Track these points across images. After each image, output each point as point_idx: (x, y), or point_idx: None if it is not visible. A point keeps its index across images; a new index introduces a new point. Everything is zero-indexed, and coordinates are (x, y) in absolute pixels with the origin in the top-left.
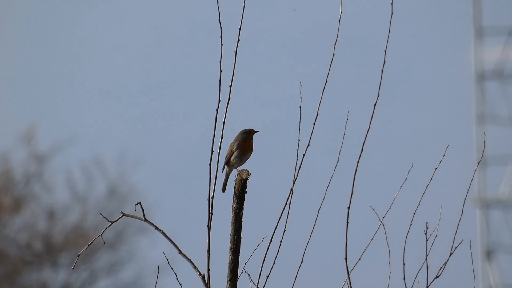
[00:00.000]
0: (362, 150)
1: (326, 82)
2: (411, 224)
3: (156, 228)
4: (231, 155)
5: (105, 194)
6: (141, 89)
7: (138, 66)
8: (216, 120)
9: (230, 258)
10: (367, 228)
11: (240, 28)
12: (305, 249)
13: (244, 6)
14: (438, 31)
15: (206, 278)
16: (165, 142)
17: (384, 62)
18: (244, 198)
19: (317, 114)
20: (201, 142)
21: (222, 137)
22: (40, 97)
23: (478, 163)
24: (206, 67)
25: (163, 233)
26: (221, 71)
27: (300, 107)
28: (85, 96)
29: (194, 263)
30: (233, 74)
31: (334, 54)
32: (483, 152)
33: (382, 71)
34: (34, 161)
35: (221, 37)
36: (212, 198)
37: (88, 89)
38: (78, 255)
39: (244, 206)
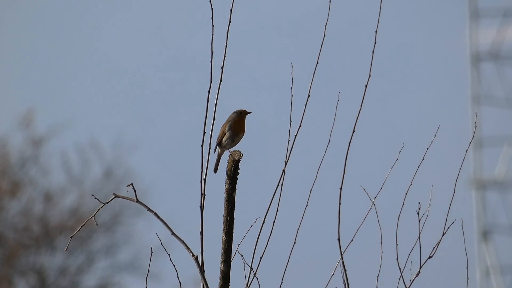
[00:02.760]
0: (353, 131)
1: (317, 63)
2: (403, 204)
3: (149, 209)
4: (223, 136)
5: (101, 177)
6: (136, 73)
7: (133, 50)
8: (208, 101)
9: (224, 239)
10: (359, 209)
11: (231, 10)
12: (298, 230)
13: None
14: (433, 12)
15: (199, 259)
16: (160, 125)
17: (375, 43)
18: (237, 179)
19: (309, 95)
20: (194, 124)
21: (214, 119)
22: (36, 81)
23: (470, 143)
24: (199, 48)
25: (155, 214)
26: (212, 53)
27: (291, 88)
28: (81, 80)
29: (188, 245)
30: (224, 56)
31: (325, 35)
32: (474, 132)
33: (373, 52)
34: (31, 144)
35: (212, 18)
36: (205, 179)
37: (84, 74)
38: (71, 237)
39: (236, 187)
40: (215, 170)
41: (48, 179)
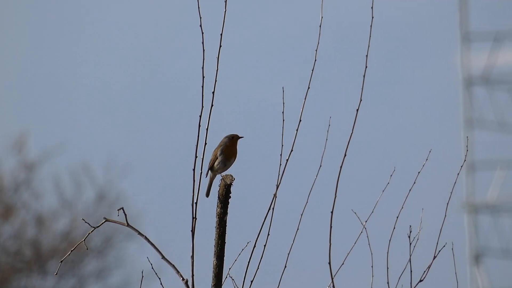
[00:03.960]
0: (345, 155)
1: (309, 88)
2: (394, 228)
3: (139, 233)
4: (215, 161)
5: (93, 200)
6: (128, 97)
7: (125, 74)
8: (199, 126)
9: (214, 263)
10: (350, 232)
11: (221, 34)
12: (289, 253)
13: (225, 12)
14: (425, 36)
15: (189, 283)
16: (152, 148)
17: (366, 67)
18: (228, 203)
19: (300, 120)
20: (186, 148)
21: (205, 143)
22: (28, 105)
23: (461, 166)
24: (191, 73)
25: (146, 238)
26: (203, 77)
27: (283, 112)
28: (74, 104)
29: (178, 269)
30: (215, 80)
31: (316, 60)
32: (465, 156)
33: (363, 76)
34: (23, 168)
35: (203, 43)
36: (196, 203)
37: (77, 97)
38: (61, 261)
39: (228, 211)
40: (207, 194)
41: (40, 203)
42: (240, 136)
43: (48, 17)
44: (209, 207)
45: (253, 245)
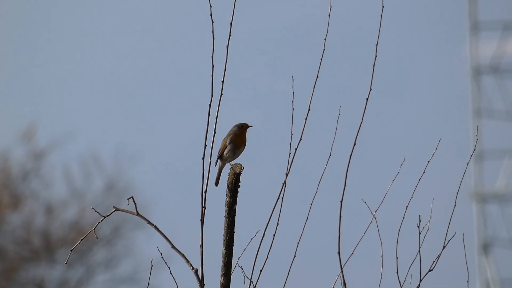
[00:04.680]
0: (354, 144)
1: (318, 76)
2: (403, 218)
3: (149, 222)
4: (224, 150)
5: (103, 190)
6: (137, 86)
7: (134, 63)
8: (209, 115)
9: (224, 253)
10: (359, 222)
11: (231, 23)
12: (298, 243)
13: (235, 1)
14: (434, 25)
15: (199, 272)
16: (161, 138)
17: (376, 56)
18: (238, 192)
19: (309, 109)
20: (195, 137)
21: (215, 132)
22: (37, 94)
23: (471, 156)
24: (201, 62)
25: (155, 227)
26: (213, 66)
27: (292, 101)
28: (83, 93)
29: (187, 258)
30: (225, 69)
31: (324, 49)
32: (475, 145)
33: (373, 65)
34: (32, 158)
35: (212, 31)
36: (205, 192)
37: (85, 86)
38: (71, 250)
39: (237, 200)
40: (216, 183)
41: (49, 192)
42: (249, 125)
43: (54, 8)
44: (218, 196)
45: (262, 235)
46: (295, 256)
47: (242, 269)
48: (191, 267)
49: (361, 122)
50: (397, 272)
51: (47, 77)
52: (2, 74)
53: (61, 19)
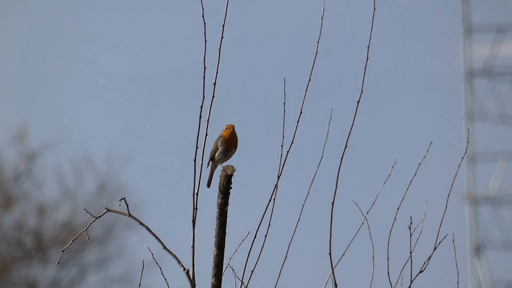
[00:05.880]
0: (346, 146)
1: (310, 79)
2: (395, 219)
3: (141, 223)
4: (216, 151)
5: (95, 190)
6: (129, 88)
7: (127, 64)
8: (200, 116)
9: (215, 253)
10: (351, 223)
11: (223, 25)
12: (289, 244)
13: (227, 3)
14: (427, 28)
15: (190, 273)
16: (153, 139)
17: (367, 58)
18: (229, 193)
19: (301, 112)
20: (187, 139)
21: (206, 134)
22: (30, 95)
23: (462, 158)
24: (192, 64)
25: (147, 228)
26: (205, 68)
27: (284, 104)
28: (75, 94)
29: (179, 258)
30: (217, 72)
31: (317, 52)
32: (466, 148)
33: (365, 68)
34: (25, 159)
35: (205, 33)
36: (197, 193)
37: (78, 88)
38: (62, 251)
39: (229, 202)
40: (208, 185)
41: (41, 192)
42: (229, 125)
43: (48, 8)
44: (210, 197)
45: (254, 236)
46: (286, 257)
47: (233, 269)
48: (182, 268)
49: (352, 125)
50: (388, 273)
51: (40, 78)
52: None
53: (53, 20)
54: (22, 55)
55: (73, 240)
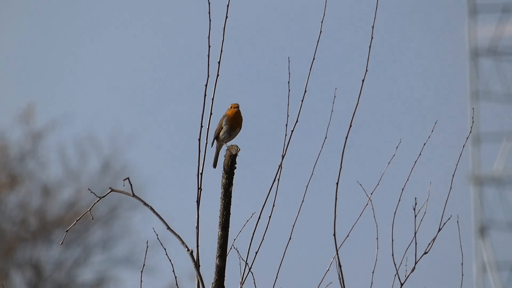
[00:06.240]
0: (350, 126)
1: (314, 58)
2: (399, 200)
3: (144, 203)
4: (220, 130)
5: (99, 170)
6: (133, 68)
7: (131, 44)
8: (205, 95)
9: (219, 234)
10: (355, 204)
11: (228, 4)
12: (294, 225)
13: None
14: (432, 7)
15: (194, 253)
16: (157, 119)
17: (372, 38)
18: (234, 173)
19: (305, 91)
20: (191, 118)
21: (211, 113)
22: (34, 76)
23: (467, 138)
24: (197, 43)
25: (151, 208)
26: (209, 47)
27: (288, 82)
28: (80, 74)
29: (183, 239)
30: (221, 50)
31: (321, 31)
32: (471, 128)
33: (369, 47)
34: (29, 139)
35: (209, 13)
36: (201, 173)
37: (82, 68)
38: (66, 231)
39: (233, 182)
40: (214, 165)
41: (46, 173)
42: (234, 104)
43: None
44: (214, 177)
45: (258, 216)
46: (290, 238)
47: (237, 250)
48: (186, 249)
49: (357, 104)
50: (393, 255)
51: (45, 58)
52: (0, 55)
53: (61, 4)
54: (28, 36)
55: (76, 221)
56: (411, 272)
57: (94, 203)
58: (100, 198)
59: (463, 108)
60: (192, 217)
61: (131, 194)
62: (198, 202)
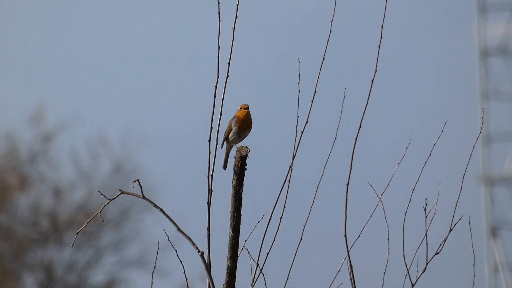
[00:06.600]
0: (360, 126)
1: (324, 59)
2: (410, 201)
3: (155, 205)
4: (230, 132)
5: (110, 172)
6: (144, 68)
7: (141, 46)
8: (215, 96)
9: (230, 235)
10: (366, 205)
11: (237, 4)
12: (304, 226)
13: None
14: (441, 7)
15: (205, 255)
16: (168, 120)
17: (381, 37)
18: (244, 175)
19: (315, 91)
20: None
21: (221, 114)
22: (45, 76)
23: (477, 138)
24: (207, 43)
25: (161, 210)
26: (219, 48)
27: (298, 83)
28: (90, 74)
29: (194, 241)
30: (231, 51)
31: (331, 31)
32: (481, 128)
33: (379, 46)
34: (40, 140)
35: (219, 13)
36: (212, 175)
37: (93, 69)
38: (77, 233)
39: (244, 183)
40: (225, 167)
41: (57, 174)
42: (244, 105)
43: None
44: (225, 179)
45: (269, 218)
46: (301, 239)
47: (248, 252)
48: (197, 250)
49: (367, 104)
50: (404, 255)
51: (56, 59)
52: (10, 55)
53: (72, 4)
54: (38, 35)
55: (87, 222)
56: (422, 272)
57: (104, 205)
58: (110, 200)
59: (473, 108)
60: (203, 218)
61: (141, 196)
62: (209, 203)
